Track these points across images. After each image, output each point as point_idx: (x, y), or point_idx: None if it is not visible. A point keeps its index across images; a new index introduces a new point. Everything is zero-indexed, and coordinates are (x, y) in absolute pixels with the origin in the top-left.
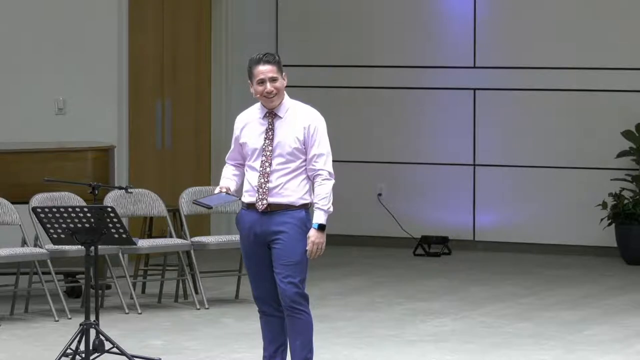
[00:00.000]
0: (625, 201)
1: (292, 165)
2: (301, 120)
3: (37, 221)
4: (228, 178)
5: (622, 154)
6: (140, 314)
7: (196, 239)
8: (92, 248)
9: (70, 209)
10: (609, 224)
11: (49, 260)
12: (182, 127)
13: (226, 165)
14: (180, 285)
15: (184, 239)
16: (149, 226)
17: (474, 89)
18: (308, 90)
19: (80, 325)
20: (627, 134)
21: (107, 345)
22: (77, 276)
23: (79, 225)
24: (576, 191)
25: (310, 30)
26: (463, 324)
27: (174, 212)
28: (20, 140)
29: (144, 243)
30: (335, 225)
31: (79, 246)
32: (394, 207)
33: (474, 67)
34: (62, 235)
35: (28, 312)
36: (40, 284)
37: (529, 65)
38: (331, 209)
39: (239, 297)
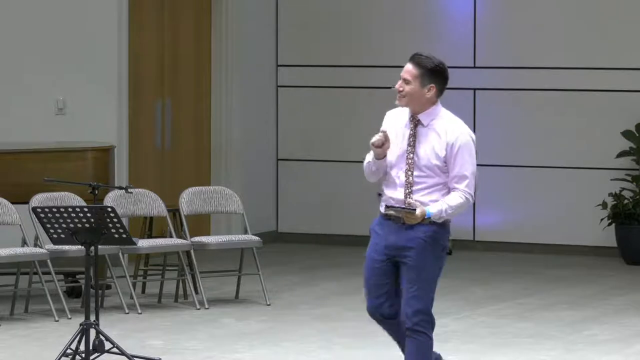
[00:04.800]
0: (625, 201)
1: (430, 181)
2: (447, 135)
3: (37, 221)
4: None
5: (622, 154)
6: (140, 314)
7: (196, 239)
8: (92, 248)
9: (70, 209)
10: (609, 224)
11: (49, 260)
12: (182, 127)
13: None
14: (180, 285)
15: (184, 239)
16: (149, 226)
17: (474, 89)
18: (308, 90)
19: (80, 325)
20: (627, 134)
21: (107, 345)
22: (77, 276)
23: (79, 225)
24: (576, 191)
25: (310, 30)
26: (463, 324)
27: (174, 212)
28: (20, 140)
29: (144, 243)
30: (336, 225)
31: (79, 246)
32: None
33: (474, 67)
34: (62, 235)
35: (28, 312)
36: (40, 284)
37: (529, 65)
38: (446, 216)
39: (239, 297)
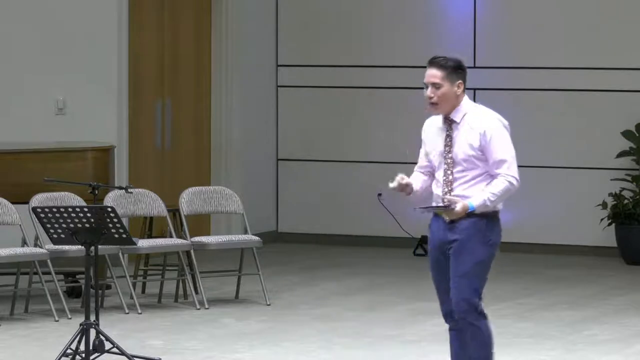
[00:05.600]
0: (625, 201)
1: (471, 174)
2: (477, 125)
3: (37, 221)
4: (414, 179)
5: (622, 154)
6: (140, 314)
7: (196, 239)
8: (92, 248)
9: (70, 209)
10: (609, 224)
11: (49, 260)
12: (182, 127)
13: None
14: (180, 285)
15: (184, 239)
16: (149, 226)
17: (474, 89)
18: (308, 90)
19: (80, 325)
20: (627, 134)
21: (107, 345)
22: (77, 276)
23: (79, 225)
24: (576, 191)
25: (310, 30)
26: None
27: (174, 212)
28: (20, 140)
29: (144, 243)
30: (335, 225)
31: (79, 246)
32: (394, 207)
33: (474, 67)
34: (62, 235)
35: (28, 312)
36: (40, 284)
37: (529, 65)
38: (491, 205)
39: (239, 297)
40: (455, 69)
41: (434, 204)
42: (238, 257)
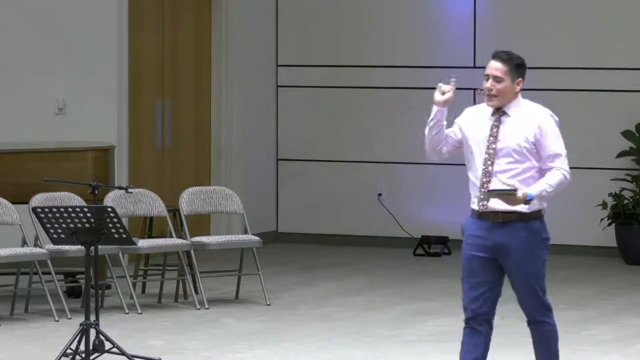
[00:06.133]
0: (625, 201)
1: (521, 167)
2: (532, 119)
3: (37, 221)
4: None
5: (622, 154)
6: (140, 314)
7: (196, 239)
8: (92, 248)
9: (70, 209)
10: (609, 224)
11: (49, 260)
12: (182, 127)
13: None
14: (180, 285)
15: (184, 239)
16: (149, 226)
17: (474, 89)
18: (308, 90)
19: (80, 325)
20: (627, 134)
21: (107, 345)
22: (77, 276)
23: (79, 225)
24: (576, 191)
25: (310, 30)
26: (463, 324)
27: (174, 212)
28: (20, 140)
29: (144, 243)
30: (335, 225)
31: (79, 246)
32: (394, 207)
33: (474, 67)
34: (62, 235)
35: (28, 312)
36: (40, 284)
37: (529, 65)
38: (547, 195)
39: (239, 297)
40: (518, 67)
41: (498, 188)
42: (238, 257)
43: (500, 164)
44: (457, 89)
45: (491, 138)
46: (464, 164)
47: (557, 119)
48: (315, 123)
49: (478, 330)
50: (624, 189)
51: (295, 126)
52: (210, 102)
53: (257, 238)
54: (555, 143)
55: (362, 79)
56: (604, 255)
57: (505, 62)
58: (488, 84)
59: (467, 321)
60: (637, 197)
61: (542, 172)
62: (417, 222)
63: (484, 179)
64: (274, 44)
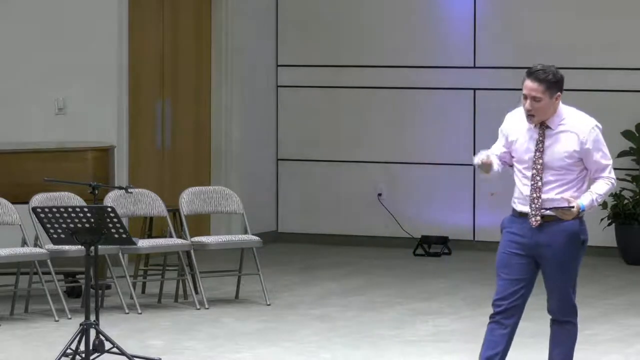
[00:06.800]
0: (625, 201)
1: (568, 177)
2: (576, 131)
3: (37, 221)
4: (495, 159)
5: (622, 154)
6: (140, 314)
7: (196, 239)
8: (92, 248)
9: (70, 209)
10: (609, 224)
11: (49, 260)
12: (182, 127)
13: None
14: (180, 285)
15: (184, 239)
16: (149, 226)
17: (474, 89)
18: (308, 90)
19: (80, 325)
20: (627, 134)
21: (107, 345)
22: (77, 276)
23: (79, 225)
24: None
25: (310, 30)
26: (463, 324)
27: (174, 212)
28: (20, 140)
29: (144, 243)
30: (335, 225)
31: (79, 246)
32: (394, 207)
33: (474, 67)
34: (62, 235)
35: (28, 312)
36: (40, 284)
37: (529, 65)
38: (596, 205)
39: (239, 297)
40: (555, 83)
41: (560, 206)
42: (238, 257)
43: (547, 177)
44: (458, 89)
45: (537, 153)
46: (464, 165)
47: (600, 126)
48: (315, 123)
49: (504, 324)
50: (624, 189)
51: (295, 126)
52: (210, 102)
53: (257, 238)
54: (600, 155)
55: (362, 79)
56: (604, 255)
57: (542, 81)
58: (527, 104)
59: (494, 315)
60: (637, 197)
61: (589, 181)
62: (417, 222)
63: (534, 195)
64: (274, 44)
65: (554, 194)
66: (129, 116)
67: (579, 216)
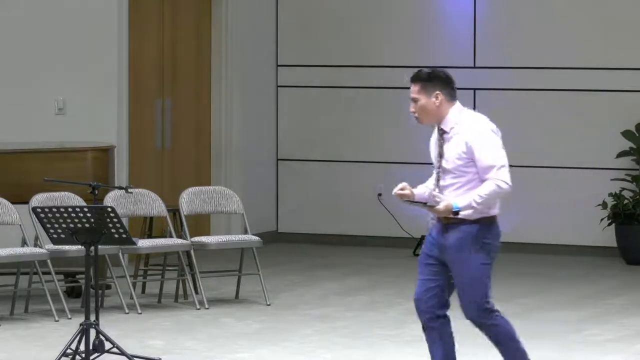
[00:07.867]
0: (625, 201)
1: (463, 180)
2: (464, 134)
3: (37, 221)
4: (422, 187)
5: (622, 154)
6: (140, 314)
7: (196, 239)
8: (92, 248)
9: (70, 209)
10: (609, 224)
11: (49, 260)
12: (182, 127)
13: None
14: (180, 285)
15: (184, 239)
16: (149, 226)
17: (474, 89)
18: (308, 90)
19: (80, 325)
20: (627, 134)
21: (107, 345)
22: (77, 276)
23: (79, 225)
24: (576, 191)
25: (310, 30)
26: (463, 324)
27: (174, 212)
28: (20, 140)
29: (144, 243)
30: (335, 225)
31: (79, 246)
32: (394, 207)
33: (474, 67)
34: (62, 235)
35: (28, 312)
36: (40, 284)
37: (529, 65)
38: (478, 206)
39: (239, 297)
40: (429, 80)
41: (416, 200)
42: (238, 257)
43: (447, 179)
44: (458, 89)
45: (439, 157)
46: None
47: (494, 127)
48: (315, 123)
49: (431, 327)
50: (624, 189)
51: (295, 126)
52: (210, 102)
53: (257, 238)
54: (487, 155)
55: (362, 79)
56: (604, 255)
57: (416, 81)
58: (411, 107)
59: (420, 319)
60: (637, 197)
61: (482, 182)
62: (417, 222)
63: (437, 197)
64: (274, 44)
65: (453, 196)
66: (129, 116)
67: (481, 220)
